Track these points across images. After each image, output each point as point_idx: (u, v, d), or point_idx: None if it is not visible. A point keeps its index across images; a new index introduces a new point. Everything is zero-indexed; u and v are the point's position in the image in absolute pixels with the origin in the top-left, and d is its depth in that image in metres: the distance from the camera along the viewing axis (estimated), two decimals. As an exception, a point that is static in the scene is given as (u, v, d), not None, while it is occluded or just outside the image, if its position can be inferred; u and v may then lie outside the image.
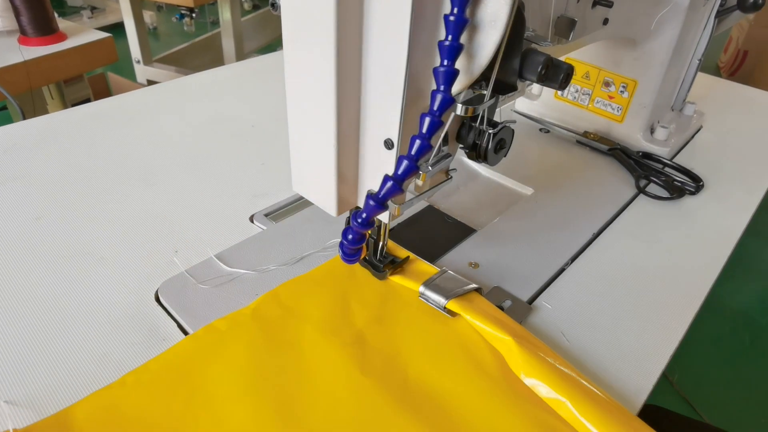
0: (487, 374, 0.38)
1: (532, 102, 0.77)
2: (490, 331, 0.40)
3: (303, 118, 0.37)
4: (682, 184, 0.63)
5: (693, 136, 0.77)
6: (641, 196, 0.62)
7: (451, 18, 0.28)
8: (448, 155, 0.39)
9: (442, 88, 0.30)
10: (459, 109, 0.34)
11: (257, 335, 0.39)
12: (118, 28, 2.12)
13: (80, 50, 0.95)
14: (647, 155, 0.68)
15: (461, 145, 0.39)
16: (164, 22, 3.56)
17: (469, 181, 0.63)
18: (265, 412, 0.34)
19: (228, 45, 2.10)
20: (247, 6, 3.35)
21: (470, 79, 0.32)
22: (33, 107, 0.98)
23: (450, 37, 0.29)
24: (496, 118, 0.38)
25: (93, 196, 0.55)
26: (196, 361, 0.37)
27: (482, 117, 0.38)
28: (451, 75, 0.29)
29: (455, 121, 0.38)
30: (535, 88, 0.79)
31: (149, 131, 0.68)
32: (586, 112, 0.72)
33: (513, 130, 0.40)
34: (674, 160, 0.70)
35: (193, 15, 2.20)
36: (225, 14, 2.02)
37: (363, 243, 0.35)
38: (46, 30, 0.94)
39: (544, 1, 0.40)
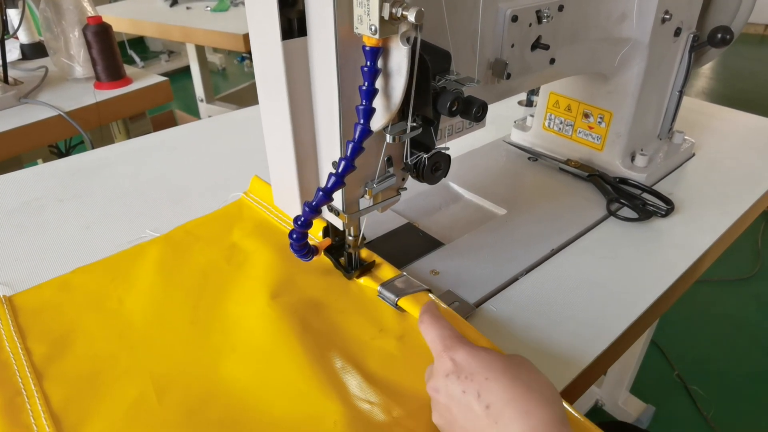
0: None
1: (525, 133, 0.84)
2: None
3: (275, 147, 0.47)
4: (653, 207, 0.67)
5: (683, 164, 0.81)
6: (611, 218, 0.67)
7: (365, 69, 0.37)
8: (392, 176, 0.47)
9: (361, 121, 0.38)
10: (388, 138, 0.42)
11: (166, 248, 0.59)
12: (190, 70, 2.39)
13: (142, 92, 1.12)
14: (624, 181, 0.73)
15: (403, 167, 0.48)
16: (232, 64, 3.89)
17: (452, 203, 0.71)
18: (168, 286, 0.53)
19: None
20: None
21: (391, 114, 0.41)
22: (101, 140, 1.16)
23: (366, 83, 0.38)
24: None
25: (132, 210, 0.68)
26: (123, 265, 0.57)
27: (421, 144, 0.46)
28: (368, 112, 0.38)
29: (397, 148, 0.47)
30: (528, 120, 0.86)
31: (182, 160, 0.81)
32: (570, 141, 0.78)
33: (448, 155, 0.47)
34: (656, 186, 0.74)
35: (253, 57, 2.44)
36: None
37: (305, 241, 0.43)
38: (115, 76, 1.12)
39: (476, 48, 0.48)
